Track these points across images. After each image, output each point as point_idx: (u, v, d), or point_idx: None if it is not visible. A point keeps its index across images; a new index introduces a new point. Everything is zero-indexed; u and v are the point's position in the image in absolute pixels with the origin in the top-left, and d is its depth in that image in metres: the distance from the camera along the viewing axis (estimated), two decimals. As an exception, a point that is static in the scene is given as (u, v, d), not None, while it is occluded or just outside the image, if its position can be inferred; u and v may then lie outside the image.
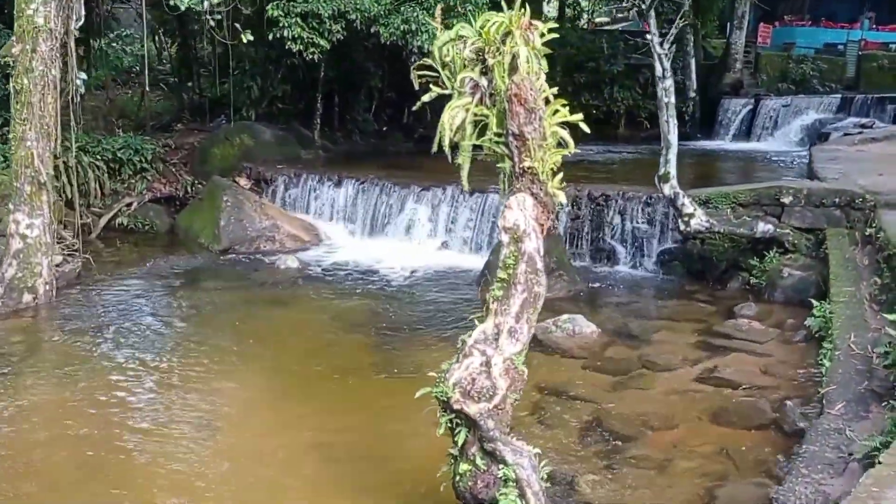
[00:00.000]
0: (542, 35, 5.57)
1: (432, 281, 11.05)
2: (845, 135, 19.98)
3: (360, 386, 7.31)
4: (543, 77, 5.74)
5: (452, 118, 5.51)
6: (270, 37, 13.31)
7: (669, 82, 10.22)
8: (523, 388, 4.87)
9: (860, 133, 19.38)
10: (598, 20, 39.53)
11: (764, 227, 10.19)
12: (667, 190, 10.22)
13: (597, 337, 8.30)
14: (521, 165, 5.31)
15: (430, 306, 9.97)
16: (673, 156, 10.24)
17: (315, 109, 17.29)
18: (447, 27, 5.91)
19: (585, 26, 34.70)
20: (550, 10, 32.94)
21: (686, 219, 10.04)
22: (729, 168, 20.07)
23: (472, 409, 4.60)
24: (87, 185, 13.28)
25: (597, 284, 10.72)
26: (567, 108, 5.52)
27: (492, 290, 5.20)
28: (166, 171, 15.11)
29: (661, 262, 11.32)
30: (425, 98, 5.90)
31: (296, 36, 12.97)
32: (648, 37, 10.25)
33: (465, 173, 5.73)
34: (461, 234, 12.53)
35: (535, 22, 5.57)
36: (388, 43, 13.84)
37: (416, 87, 5.94)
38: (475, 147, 5.76)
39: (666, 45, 10.00)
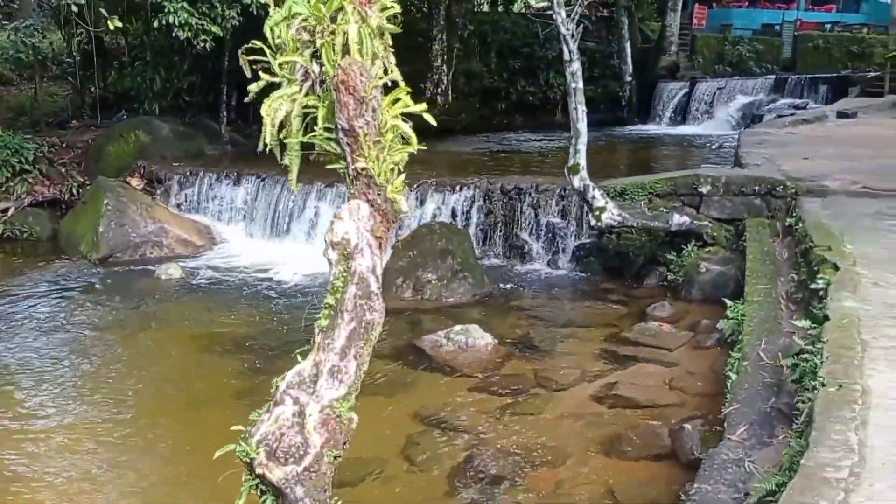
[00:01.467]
0: (384, 9, 4.69)
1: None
2: (778, 116, 19.55)
3: (213, 423, 6.33)
4: (393, 59, 4.88)
5: (274, 111, 4.59)
6: (156, 24, 12.20)
7: (577, 66, 9.42)
8: (348, 440, 4.01)
9: (792, 115, 18.94)
10: (538, 5, 38.72)
11: (680, 220, 9.48)
12: (576, 182, 9.44)
13: (492, 350, 7.48)
14: (353, 166, 4.43)
15: None
16: (583, 146, 9.46)
17: (221, 101, 16.16)
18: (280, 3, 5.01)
19: (523, 10, 33.98)
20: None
21: (597, 213, 9.28)
22: (663, 154, 19.45)
23: (277, 473, 3.72)
24: (-44, 191, 12.10)
25: (507, 285, 9.91)
26: (408, 95, 4.64)
27: (318, 320, 4.33)
28: (52, 173, 13.92)
29: (576, 258, 10.57)
30: (253, 88, 4.95)
31: (183, 22, 11.88)
32: (553, 16, 9.43)
33: (293, 176, 4.81)
34: (367, 233, 11.60)
35: (375, -5, 4.68)
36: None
37: (248, 74, 5.02)
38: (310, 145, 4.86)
39: (571, 25, 9.19)
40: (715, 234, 9.61)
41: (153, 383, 7.23)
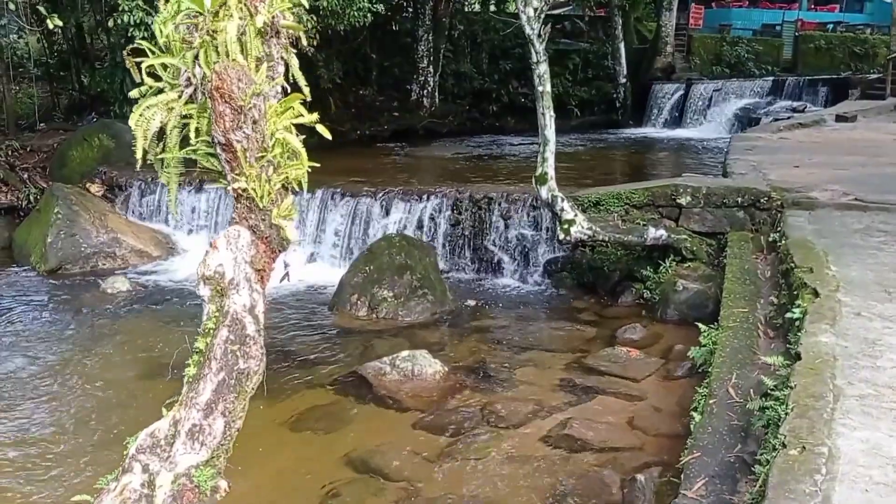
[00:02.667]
0: (272, 4, 4.06)
1: (286, 303, 9.46)
2: (774, 120, 18.86)
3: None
4: (295, 62, 4.26)
5: (147, 121, 3.96)
6: (111, 24, 11.58)
7: (544, 67, 8.76)
8: (212, 515, 3.37)
9: (789, 118, 18.26)
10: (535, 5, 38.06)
11: (656, 233, 8.82)
12: (544, 193, 8.79)
13: (441, 379, 6.81)
14: (233, 186, 3.80)
15: (270, 340, 8.34)
16: (551, 153, 8.80)
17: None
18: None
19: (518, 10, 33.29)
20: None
21: (565, 226, 8.62)
22: (656, 158, 18.72)
23: (112, 561, 3.10)
24: None
25: (471, 302, 9.25)
26: (304, 104, 4.00)
27: (187, 368, 3.70)
28: (12, 178, 13.33)
29: (548, 272, 9.91)
30: (134, 94, 4.32)
31: (139, 22, 11.23)
32: (520, 15, 8.77)
33: (172, 197, 4.20)
34: (331, 243, 10.98)
35: (271, -12, 4.05)
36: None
37: (137, 79, 4.37)
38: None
39: (537, 25, 8.53)
40: (695, 248, 8.95)
41: (77, 415, 6.57)
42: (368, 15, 13.23)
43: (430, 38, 21.56)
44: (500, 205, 10.25)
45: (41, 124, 16.27)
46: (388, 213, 10.76)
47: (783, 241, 7.77)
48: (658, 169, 16.49)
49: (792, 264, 6.84)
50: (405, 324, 8.46)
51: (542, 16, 8.62)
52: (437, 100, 22.23)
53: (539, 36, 8.57)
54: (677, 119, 23.93)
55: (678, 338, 7.67)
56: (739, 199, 9.00)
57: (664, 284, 8.74)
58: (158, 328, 8.70)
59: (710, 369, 6.07)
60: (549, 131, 8.76)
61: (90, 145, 13.92)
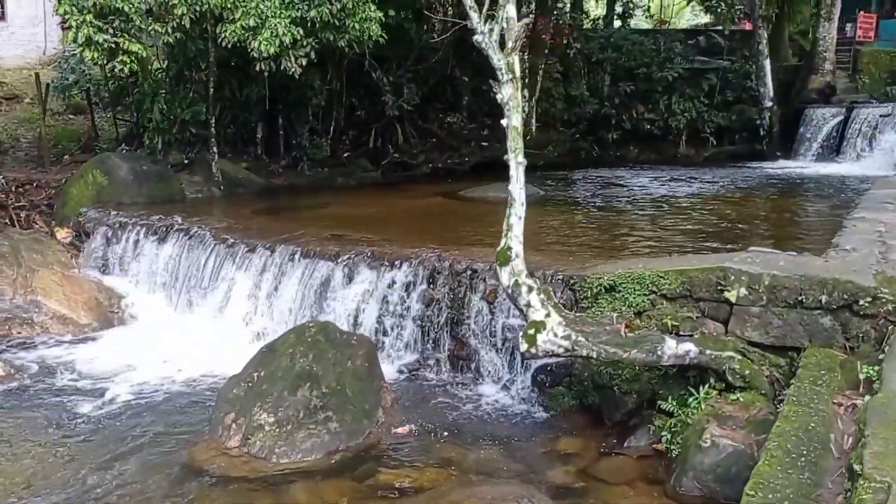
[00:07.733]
0: None
1: (170, 411, 6.98)
2: (956, 155, 14.46)
3: None
4: None
5: None
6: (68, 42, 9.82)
7: (508, 91, 5.77)
8: None
9: (975, 153, 13.83)
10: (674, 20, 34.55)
11: (678, 349, 5.56)
12: (505, 278, 5.79)
13: None
14: None
15: (121, 477, 5.80)
16: (517, 219, 5.80)
17: (210, 135, 13.65)
18: None
19: (652, 26, 29.71)
20: (596, 7, 28.10)
21: (531, 332, 5.58)
22: (787, 207, 13.91)
23: None
24: None
25: (404, 430, 6.33)
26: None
27: None
28: (-2, 217, 11.97)
29: (539, 384, 6.85)
30: None
31: (87, 39, 9.34)
32: (470, 20, 5.85)
33: None
34: (283, 318, 8.47)
35: None
36: (227, 45, 10.00)
37: None
38: None
39: (488, 27, 5.58)
40: (748, 372, 5.62)
41: None
42: (375, 26, 10.68)
43: (525, 56, 18.71)
44: (484, 281, 7.30)
45: (65, 156, 15.02)
46: (350, 280, 8.12)
47: (876, 385, 4.38)
48: (798, 219, 12.46)
49: (859, 464, 3.52)
50: (281, 468, 5.71)
51: (507, 17, 5.66)
52: (533, 127, 19.30)
53: (495, 49, 5.61)
54: (834, 150, 19.60)
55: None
56: (824, 298, 5.58)
57: (690, 430, 5.49)
58: (11, 443, 6.42)
59: None
60: (515, 186, 5.77)
61: (86, 182, 12.35)
